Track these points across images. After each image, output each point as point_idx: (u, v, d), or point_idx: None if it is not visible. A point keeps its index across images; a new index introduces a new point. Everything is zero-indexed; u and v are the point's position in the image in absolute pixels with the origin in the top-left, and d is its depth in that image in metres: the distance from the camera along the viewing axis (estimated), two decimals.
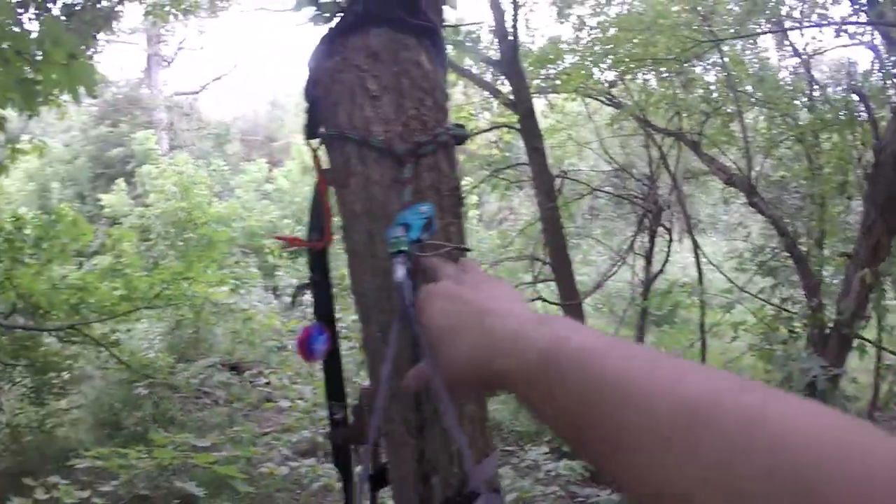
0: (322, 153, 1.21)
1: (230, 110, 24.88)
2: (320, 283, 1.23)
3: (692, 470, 0.32)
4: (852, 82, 5.53)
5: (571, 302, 5.86)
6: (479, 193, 7.80)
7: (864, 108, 4.58)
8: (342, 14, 1.42)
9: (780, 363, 3.91)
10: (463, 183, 8.01)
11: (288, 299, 9.08)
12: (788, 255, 4.88)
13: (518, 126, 6.70)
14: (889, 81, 5.17)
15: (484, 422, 1.31)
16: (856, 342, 4.22)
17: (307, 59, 1.34)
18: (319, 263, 1.23)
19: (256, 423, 6.05)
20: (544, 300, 6.64)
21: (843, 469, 0.28)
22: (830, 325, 4.13)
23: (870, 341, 4.71)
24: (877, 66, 5.32)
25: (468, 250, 1.05)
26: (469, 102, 8.27)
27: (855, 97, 5.03)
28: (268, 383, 6.40)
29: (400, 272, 0.74)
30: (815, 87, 5.93)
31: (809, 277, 4.45)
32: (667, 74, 6.05)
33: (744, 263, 6.11)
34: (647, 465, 0.35)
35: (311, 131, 1.29)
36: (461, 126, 1.16)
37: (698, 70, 6.37)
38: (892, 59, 5.20)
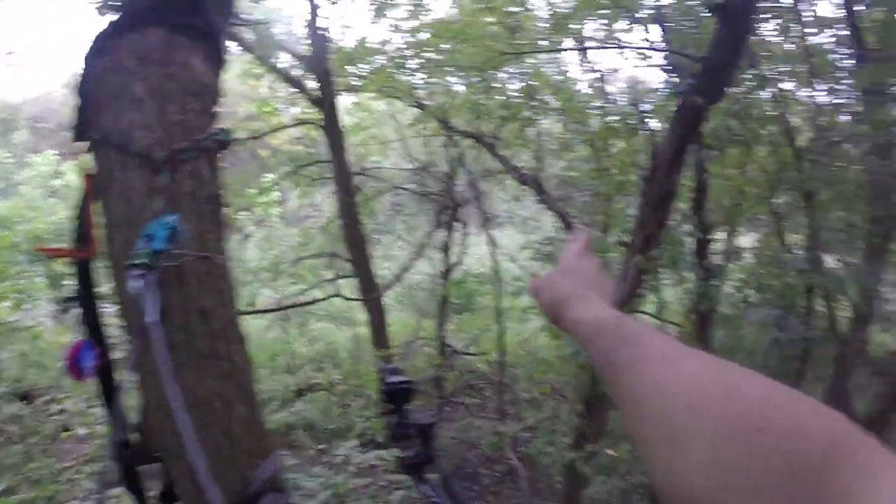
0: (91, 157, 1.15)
1: (19, 92, 21.49)
2: (86, 295, 1.17)
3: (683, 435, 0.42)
4: (635, 98, 6.24)
5: (371, 297, 5.96)
6: (282, 190, 7.64)
7: (644, 120, 5.22)
8: (120, 11, 1.35)
9: (569, 340, 4.37)
10: (265, 178, 7.75)
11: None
12: None
13: (321, 123, 6.67)
14: (669, 99, 5.91)
15: (258, 424, 1.33)
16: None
17: (83, 54, 1.25)
18: (84, 275, 1.17)
19: (56, 456, 5.43)
20: (343, 297, 6.67)
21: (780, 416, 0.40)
22: None
23: (650, 314, 5.42)
24: (662, 86, 6.06)
25: (222, 259, 1.06)
26: (275, 96, 8.03)
27: (637, 110, 5.69)
28: (63, 410, 5.79)
29: (135, 284, 0.74)
30: (609, 99, 6.58)
31: None
32: (472, 80, 6.36)
33: (536, 253, 6.65)
34: (660, 407, 0.45)
35: (79, 133, 1.21)
36: (226, 131, 1.17)
37: (503, 77, 6.77)
38: (673, 79, 5.95)
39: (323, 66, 6.20)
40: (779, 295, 6.29)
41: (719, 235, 6.58)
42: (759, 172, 6.19)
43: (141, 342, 0.96)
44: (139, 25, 1.25)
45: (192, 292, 1.05)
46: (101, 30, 1.14)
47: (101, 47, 1.19)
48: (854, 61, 5.69)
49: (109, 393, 1.17)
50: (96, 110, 1.19)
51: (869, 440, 0.38)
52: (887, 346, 8.32)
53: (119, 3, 1.40)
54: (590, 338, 0.59)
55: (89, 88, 1.17)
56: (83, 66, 1.16)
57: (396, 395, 1.15)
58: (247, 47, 6.09)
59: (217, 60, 1.34)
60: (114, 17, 1.27)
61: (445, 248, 7.18)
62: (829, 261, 6.13)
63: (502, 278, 6.65)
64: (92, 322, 1.15)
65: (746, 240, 8.59)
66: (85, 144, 1.14)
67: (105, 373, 1.18)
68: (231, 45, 6.72)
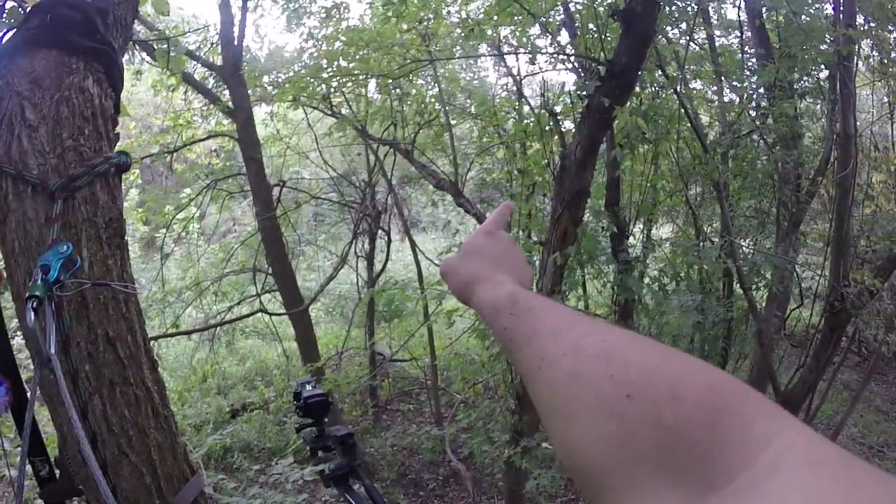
0: None
1: None
2: None
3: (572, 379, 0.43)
4: (547, 101, 6.40)
5: (296, 310, 5.88)
6: (200, 206, 7.43)
7: (557, 122, 5.38)
8: (13, 32, 1.29)
9: (491, 340, 4.46)
10: (183, 194, 7.50)
11: None
12: None
13: (236, 135, 6.54)
14: (578, 101, 6.10)
15: (177, 448, 1.31)
16: None
17: None
18: None
19: None
20: (266, 312, 6.56)
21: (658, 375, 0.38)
22: None
23: (574, 308, 5.58)
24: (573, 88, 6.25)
25: (127, 284, 1.05)
26: (189, 109, 7.81)
27: (550, 112, 5.85)
28: None
29: (31, 317, 0.73)
30: (524, 102, 6.73)
31: None
32: (387, 86, 6.37)
33: None
34: (547, 380, 0.45)
35: None
36: (124, 154, 1.15)
37: (420, 83, 6.81)
38: (583, 82, 6.14)
39: (237, 75, 6.08)
40: (698, 281, 6.61)
41: (636, 229, 6.86)
42: (672, 167, 6.51)
43: (44, 375, 0.94)
44: (31, 48, 1.22)
45: (98, 320, 1.03)
46: None
47: None
48: (759, 60, 6.07)
49: (27, 427, 1.13)
50: None
51: (754, 394, 0.36)
52: (804, 321, 8.88)
53: (12, 22, 1.36)
54: (491, 318, 0.59)
55: None
56: None
57: (312, 409, 1.16)
58: (155, 59, 5.92)
59: (113, 81, 1.32)
60: (3, 39, 1.24)
61: (369, 257, 7.17)
62: (744, 246, 6.50)
63: (427, 283, 6.69)
64: (1, 355, 1.11)
65: (664, 231, 8.99)
66: None
67: (19, 408, 1.14)
68: (140, 57, 6.52)
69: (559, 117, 5.09)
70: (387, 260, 7.27)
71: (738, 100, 6.57)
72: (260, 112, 7.57)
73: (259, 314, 6.54)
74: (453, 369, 7.56)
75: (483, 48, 6.02)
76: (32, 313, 0.74)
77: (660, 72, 5.05)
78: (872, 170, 8.15)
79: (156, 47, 4.93)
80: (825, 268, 6.58)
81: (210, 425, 7.30)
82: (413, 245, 6.84)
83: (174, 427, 1.25)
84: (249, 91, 6.27)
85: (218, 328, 7.40)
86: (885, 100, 8.56)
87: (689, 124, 5.49)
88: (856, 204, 6.74)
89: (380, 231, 6.99)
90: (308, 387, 1.18)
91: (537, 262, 5.44)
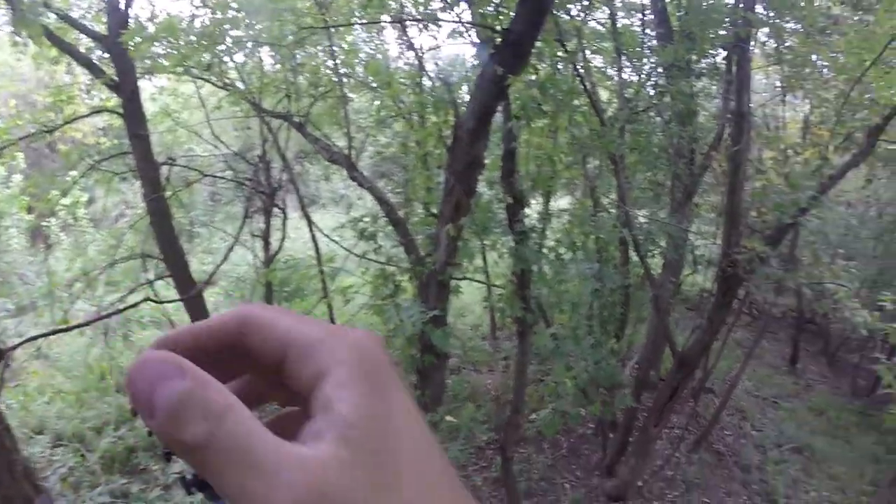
0: None
1: None
2: None
3: None
4: (444, 71, 6.33)
5: (186, 296, 5.62)
6: (85, 188, 6.94)
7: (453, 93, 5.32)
8: None
9: (389, 315, 4.39)
10: (69, 177, 7.01)
11: None
12: (388, 219, 5.38)
13: (121, 110, 6.14)
14: (471, 72, 6.05)
15: (14, 466, 1.17)
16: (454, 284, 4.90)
17: None
18: None
19: None
20: (154, 300, 6.24)
21: None
22: None
23: (471, 279, 5.59)
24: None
25: None
26: (75, 83, 7.29)
27: (447, 83, 5.78)
28: None
29: None
30: (424, 75, 6.63)
31: (406, 236, 5.02)
32: (281, 58, 6.11)
33: (360, 233, 6.63)
34: None
35: None
36: None
37: (316, 52, 6.57)
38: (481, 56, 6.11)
39: (121, 46, 5.66)
40: (595, 251, 6.78)
41: (535, 200, 6.96)
42: (570, 141, 6.61)
43: None
44: None
45: None
46: None
47: None
48: (659, 41, 6.23)
49: None
50: None
51: None
52: (699, 285, 9.34)
53: None
54: None
55: None
56: None
57: None
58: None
59: None
60: None
61: (265, 235, 6.91)
62: (639, 216, 6.71)
63: (326, 259, 6.53)
64: None
65: (563, 203, 9.20)
66: None
67: None
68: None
69: (452, 88, 5.04)
70: (283, 238, 7.04)
71: (637, 78, 6.75)
72: (150, 87, 7.14)
73: (147, 302, 6.18)
74: None
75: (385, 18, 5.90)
76: None
77: (559, 45, 5.09)
78: (764, 147, 8.63)
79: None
80: (718, 236, 6.90)
81: (111, 426, 6.94)
82: (310, 222, 6.65)
83: (12, 443, 1.11)
84: (136, 63, 5.87)
85: (111, 320, 6.97)
86: (777, 84, 9.06)
87: (588, 99, 5.58)
88: (747, 178, 7.12)
89: (276, 209, 6.74)
90: None
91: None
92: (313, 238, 6.53)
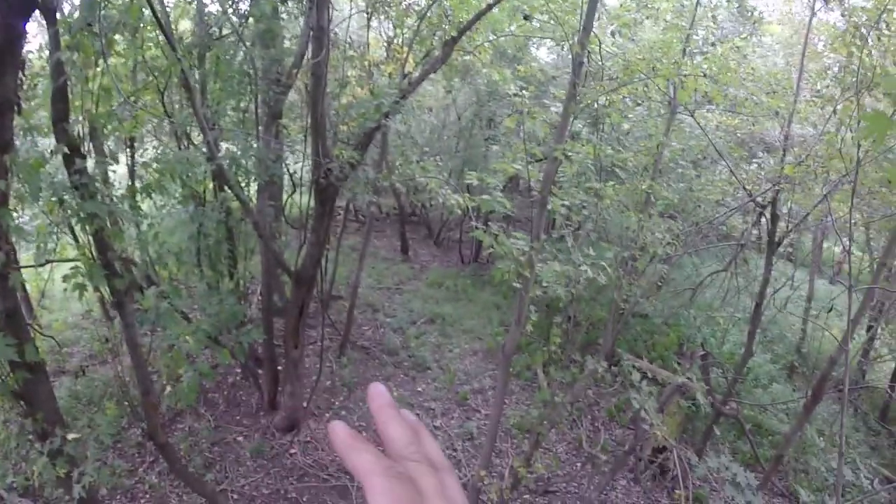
0: None
1: None
2: None
3: None
4: None
5: None
6: None
7: None
8: None
9: None
10: None
11: None
12: None
13: None
14: None
15: None
16: None
17: None
18: None
19: None
20: None
21: None
22: None
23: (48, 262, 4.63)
24: None
25: None
26: None
27: None
28: None
29: None
30: None
31: None
32: None
33: None
34: None
35: None
36: None
37: None
38: None
39: None
40: (190, 193, 6.31)
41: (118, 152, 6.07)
42: (132, 69, 5.87)
43: None
44: None
45: None
46: None
47: None
48: None
49: None
50: None
51: None
52: (304, 204, 9.47)
53: None
54: None
55: None
56: None
57: None
58: None
59: None
60: None
61: None
62: (226, 145, 6.40)
63: None
64: None
65: (150, 152, 8.34)
66: None
67: None
68: None
69: None
70: None
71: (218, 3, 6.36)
72: None
73: None
74: None
75: None
76: None
77: None
78: (349, 66, 9.01)
79: None
80: (308, 153, 7.01)
81: None
82: None
83: None
84: None
85: None
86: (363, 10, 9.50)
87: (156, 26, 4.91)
88: (334, 95, 7.34)
89: None
90: None
91: None
92: None
